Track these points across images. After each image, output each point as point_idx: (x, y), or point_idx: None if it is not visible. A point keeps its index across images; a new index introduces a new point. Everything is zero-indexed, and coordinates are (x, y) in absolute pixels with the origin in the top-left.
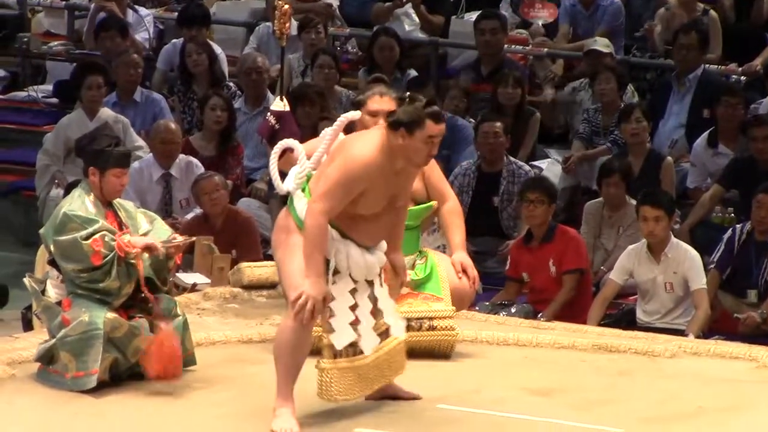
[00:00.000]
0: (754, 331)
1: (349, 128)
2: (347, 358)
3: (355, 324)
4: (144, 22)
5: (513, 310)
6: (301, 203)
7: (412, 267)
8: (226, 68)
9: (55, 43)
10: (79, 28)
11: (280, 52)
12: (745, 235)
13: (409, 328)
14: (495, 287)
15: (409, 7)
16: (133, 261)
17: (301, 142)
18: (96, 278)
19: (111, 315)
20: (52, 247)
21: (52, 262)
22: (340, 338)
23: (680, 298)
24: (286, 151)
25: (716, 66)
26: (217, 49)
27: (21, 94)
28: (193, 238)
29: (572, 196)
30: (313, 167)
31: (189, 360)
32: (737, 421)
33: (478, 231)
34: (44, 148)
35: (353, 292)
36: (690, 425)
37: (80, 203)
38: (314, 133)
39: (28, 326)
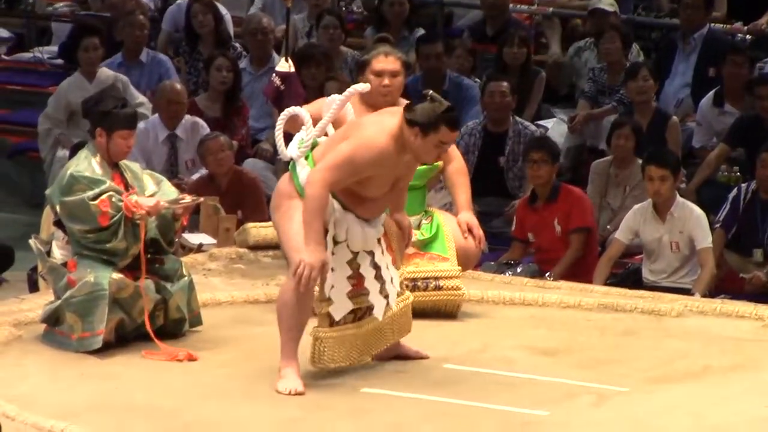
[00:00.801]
0: (759, 290)
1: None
2: (341, 326)
3: (353, 293)
4: None
5: (519, 269)
6: (304, 171)
7: (418, 227)
8: (231, 29)
9: (61, 4)
10: None
11: (286, 13)
12: (751, 194)
13: (415, 288)
14: (501, 247)
15: None
16: (138, 222)
17: (306, 103)
18: (103, 239)
19: (116, 276)
20: (58, 208)
21: (58, 223)
22: (338, 309)
23: (686, 257)
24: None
25: (721, 25)
26: (223, 10)
27: (26, 56)
28: (201, 199)
29: (578, 156)
30: (318, 135)
31: (195, 321)
32: (743, 380)
33: (484, 191)
34: (45, 111)
35: (351, 262)
36: (696, 384)
37: (87, 164)
38: (320, 93)
39: (33, 287)
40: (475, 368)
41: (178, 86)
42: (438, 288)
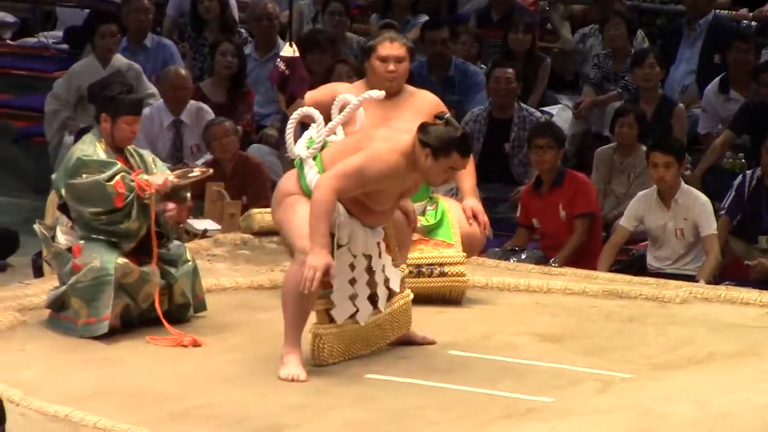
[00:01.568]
0: (764, 276)
1: (360, 74)
2: (341, 323)
3: (353, 297)
4: None
5: (523, 256)
6: (311, 172)
7: (423, 213)
8: (236, 14)
9: None
10: None
11: None
12: (756, 181)
13: (419, 274)
14: (506, 233)
15: None
16: (147, 201)
17: (312, 88)
18: (116, 220)
19: (122, 260)
20: (63, 192)
21: (62, 208)
22: (340, 312)
23: (691, 244)
24: (297, 101)
25: (727, 11)
26: None
27: (31, 40)
28: (210, 170)
29: (583, 142)
30: (327, 134)
31: (199, 306)
32: (747, 367)
33: (489, 177)
34: (54, 92)
35: (351, 266)
36: (700, 370)
37: (93, 149)
38: (326, 79)
39: (38, 273)
40: (480, 354)
41: (183, 71)
42: (443, 274)
